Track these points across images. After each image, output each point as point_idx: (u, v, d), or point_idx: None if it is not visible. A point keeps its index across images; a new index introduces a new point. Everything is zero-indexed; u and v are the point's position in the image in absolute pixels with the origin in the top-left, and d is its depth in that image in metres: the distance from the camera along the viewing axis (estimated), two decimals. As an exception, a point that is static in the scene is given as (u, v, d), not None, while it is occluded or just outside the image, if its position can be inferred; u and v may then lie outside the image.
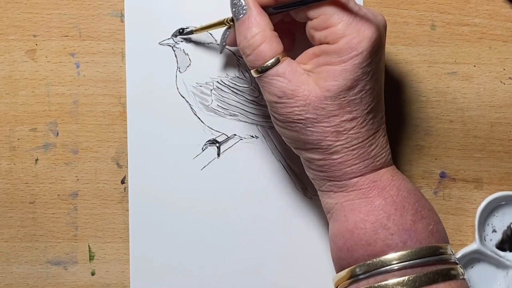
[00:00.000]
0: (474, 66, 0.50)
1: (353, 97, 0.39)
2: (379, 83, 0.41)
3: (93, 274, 0.50)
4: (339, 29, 0.39)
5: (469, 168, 0.50)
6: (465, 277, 0.41)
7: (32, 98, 0.49)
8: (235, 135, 0.49)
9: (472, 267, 0.50)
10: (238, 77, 0.49)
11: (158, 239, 0.49)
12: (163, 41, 0.49)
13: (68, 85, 0.49)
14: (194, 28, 0.48)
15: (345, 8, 0.39)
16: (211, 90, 0.49)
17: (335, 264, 0.42)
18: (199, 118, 0.49)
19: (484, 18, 0.50)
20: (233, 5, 0.41)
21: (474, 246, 0.49)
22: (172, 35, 0.49)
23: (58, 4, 0.49)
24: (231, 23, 0.44)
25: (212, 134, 0.49)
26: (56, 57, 0.49)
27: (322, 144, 0.40)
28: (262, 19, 0.41)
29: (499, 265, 0.50)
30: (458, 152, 0.50)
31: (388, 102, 0.44)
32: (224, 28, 0.45)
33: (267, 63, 0.40)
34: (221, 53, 0.48)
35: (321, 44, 0.40)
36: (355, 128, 0.40)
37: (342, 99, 0.39)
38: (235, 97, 0.49)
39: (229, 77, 0.49)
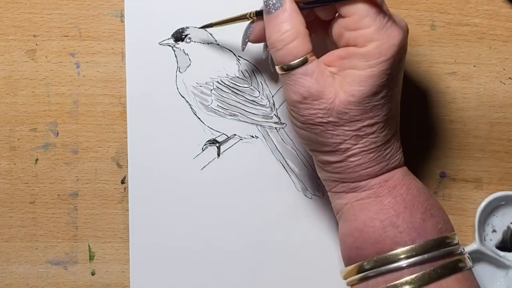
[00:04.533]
0: (474, 66, 0.50)
1: (376, 103, 0.39)
2: (399, 87, 0.41)
3: (93, 274, 0.50)
4: (370, 32, 0.38)
5: (469, 168, 0.50)
6: (472, 266, 0.41)
7: (32, 98, 0.49)
8: (235, 135, 0.49)
9: (472, 267, 0.50)
10: (238, 77, 0.49)
11: (158, 239, 0.49)
12: (163, 41, 0.49)
13: (68, 85, 0.49)
14: (213, 22, 0.46)
15: (379, 11, 0.38)
16: (211, 90, 0.49)
17: (345, 263, 0.42)
18: (199, 118, 0.49)
19: (484, 18, 0.50)
20: None
21: (474, 246, 0.49)
22: (172, 35, 0.49)
23: (58, 4, 0.49)
24: (255, 17, 0.43)
25: (212, 134, 0.49)
26: (56, 57, 0.49)
27: (341, 147, 0.40)
28: (297, 15, 0.39)
29: (499, 265, 0.50)
30: (458, 152, 0.50)
31: (388, 102, 0.44)
32: (247, 23, 0.44)
33: (296, 60, 0.39)
34: (243, 50, 0.45)
35: (347, 45, 0.39)
36: (375, 133, 0.40)
37: (366, 104, 0.39)
38: (235, 97, 0.49)
39: (229, 77, 0.49)
